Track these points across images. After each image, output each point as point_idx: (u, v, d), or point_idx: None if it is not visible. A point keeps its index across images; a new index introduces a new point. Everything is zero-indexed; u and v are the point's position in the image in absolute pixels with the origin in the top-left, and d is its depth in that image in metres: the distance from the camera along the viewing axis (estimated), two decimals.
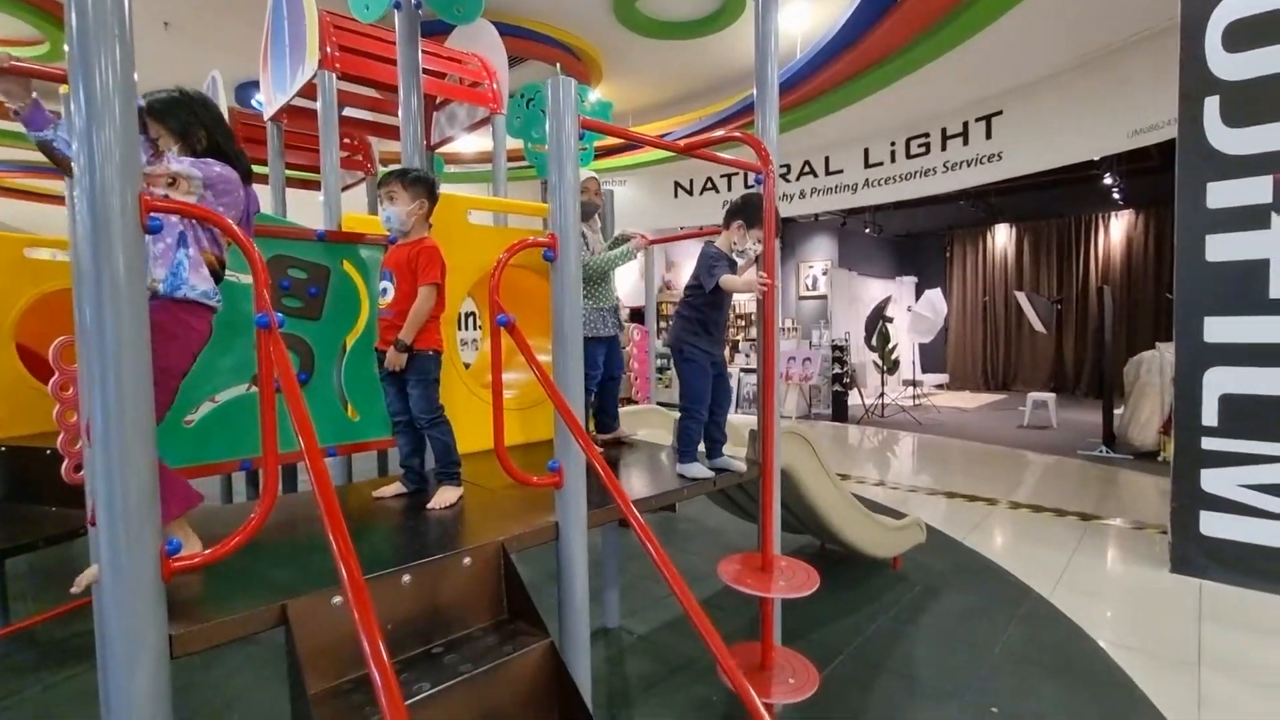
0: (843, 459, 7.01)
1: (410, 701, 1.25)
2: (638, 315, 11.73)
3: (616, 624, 3.13)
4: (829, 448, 7.66)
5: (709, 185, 11.14)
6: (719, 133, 2.14)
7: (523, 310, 2.77)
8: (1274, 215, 3.37)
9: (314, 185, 5.01)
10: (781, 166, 10.44)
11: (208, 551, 1.15)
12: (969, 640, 2.93)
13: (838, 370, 9.80)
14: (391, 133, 3.67)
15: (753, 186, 2.15)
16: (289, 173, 5.03)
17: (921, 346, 11.93)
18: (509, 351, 3.21)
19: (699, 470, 2.25)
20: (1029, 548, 4.12)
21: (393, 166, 2.09)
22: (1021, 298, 10.41)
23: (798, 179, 10.40)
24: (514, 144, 5.33)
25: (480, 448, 2.45)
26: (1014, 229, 13.15)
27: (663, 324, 13.56)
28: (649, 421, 3.24)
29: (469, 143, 9.15)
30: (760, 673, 1.89)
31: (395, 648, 1.40)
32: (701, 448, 2.35)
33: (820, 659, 2.79)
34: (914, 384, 11.23)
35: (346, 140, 5.22)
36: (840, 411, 9.66)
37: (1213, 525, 3.52)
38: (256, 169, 5.16)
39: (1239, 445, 3.43)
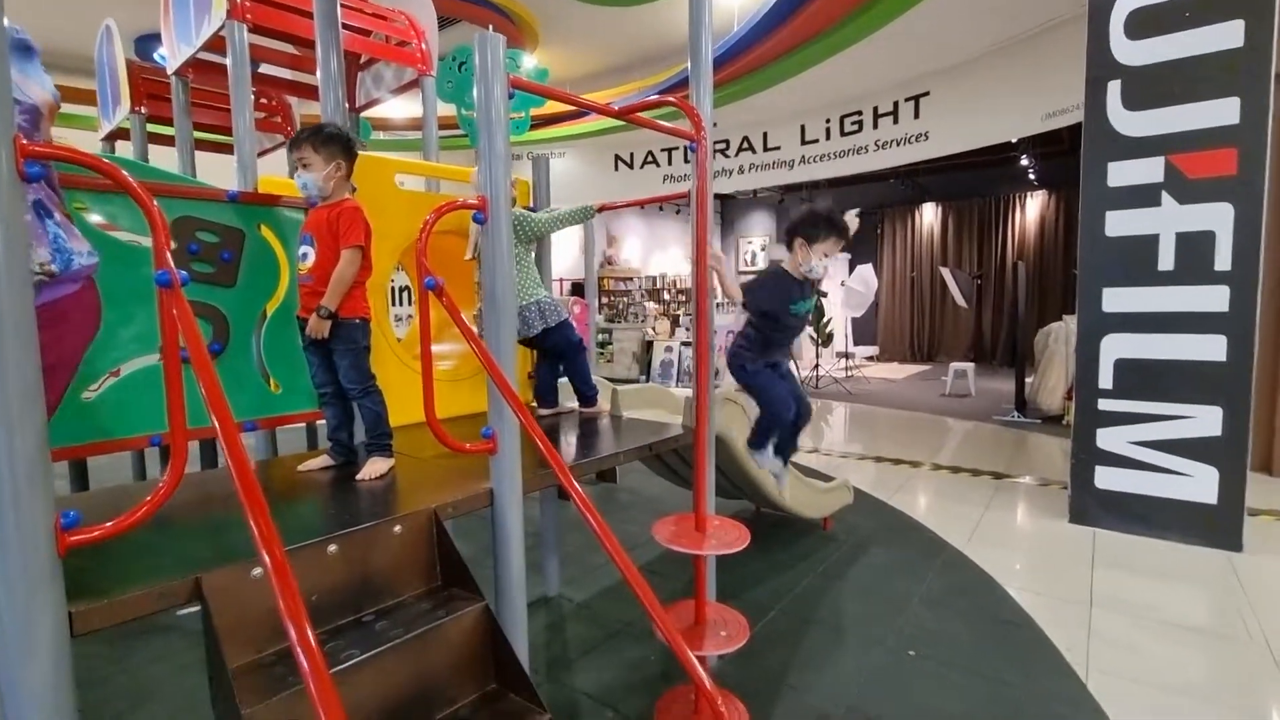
0: None
1: (339, 669, 1.23)
2: (579, 289, 11.65)
3: (556, 592, 3.16)
4: None
5: (650, 159, 11.08)
6: (653, 96, 2.12)
7: (457, 281, 2.71)
8: (1164, 194, 3.65)
9: (231, 149, 4.70)
10: (720, 142, 10.54)
11: (109, 524, 1.08)
12: (891, 592, 3.12)
13: None
14: (313, 93, 3.46)
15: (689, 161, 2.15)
16: (201, 135, 4.69)
17: (854, 320, 12.37)
18: (446, 323, 3.14)
19: (772, 462, 2.28)
20: (947, 505, 4.40)
21: (302, 128, 1.97)
22: (946, 273, 10.93)
23: (737, 154, 10.48)
24: (447, 110, 5.14)
25: (413, 420, 2.39)
26: (940, 208, 13.73)
27: (604, 299, 13.53)
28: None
29: (399, 108, 8.75)
30: (694, 628, 1.96)
31: (323, 617, 1.37)
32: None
33: (754, 614, 2.91)
34: (846, 356, 11.66)
35: (264, 101, 4.89)
36: None
37: (1106, 479, 3.85)
38: (161, 129, 4.78)
39: (1130, 405, 3.75)
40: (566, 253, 11.76)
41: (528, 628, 2.83)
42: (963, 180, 12.73)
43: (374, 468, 1.91)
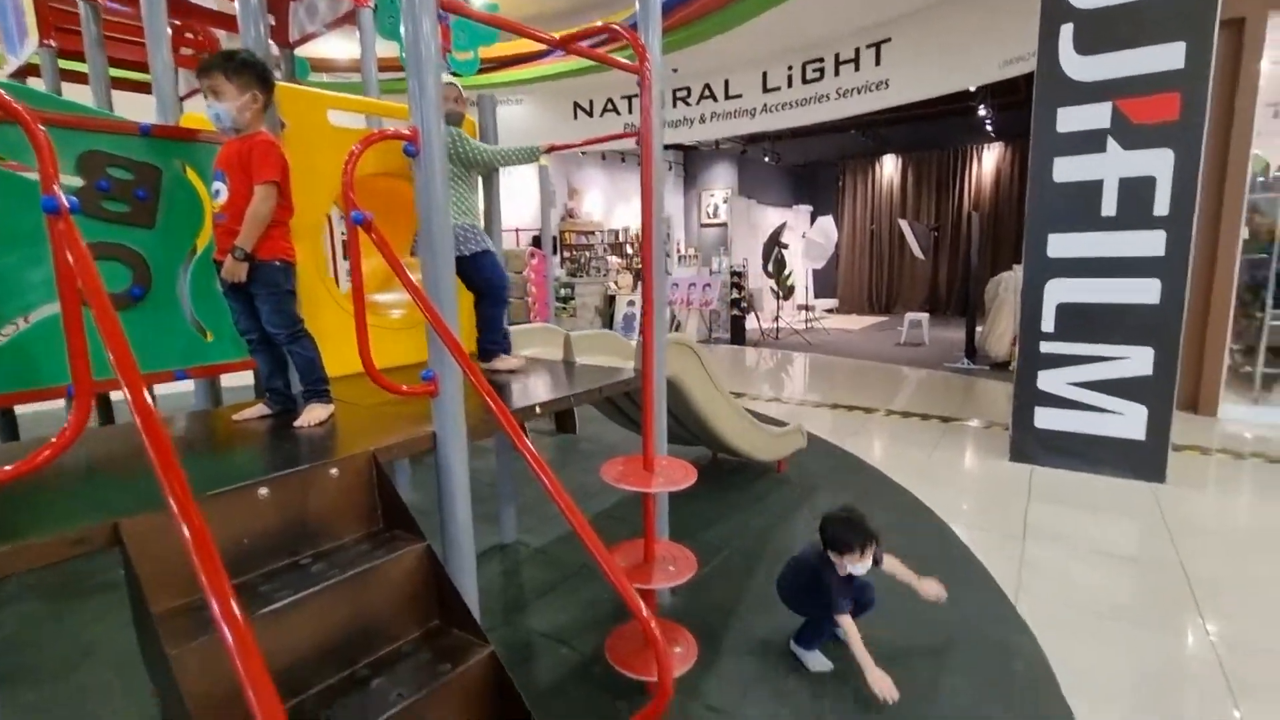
0: (741, 379, 7.33)
1: (271, 608, 1.21)
2: (539, 242, 11.40)
3: (513, 539, 3.18)
4: (728, 369, 7.97)
5: (609, 106, 10.74)
6: (598, 23, 2.02)
7: (402, 226, 2.61)
8: (1110, 140, 3.70)
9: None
10: (681, 89, 10.27)
11: (8, 468, 1.02)
12: None
13: (736, 295, 10.09)
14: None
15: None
16: (119, 72, 4.33)
17: (814, 272, 12.47)
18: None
19: (819, 661, 2.16)
20: (897, 448, 4.55)
21: (212, 54, 1.81)
22: (904, 225, 11.06)
23: (698, 102, 10.24)
24: (392, 50, 4.84)
25: (356, 369, 2.32)
26: (900, 160, 13.78)
27: (566, 253, 13.30)
28: (540, 340, 3.20)
29: (341, 48, 8.24)
30: (644, 564, 2.00)
31: (255, 561, 1.34)
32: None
33: (708, 553, 3.00)
34: (807, 308, 11.79)
35: (189, 35, 4.53)
36: (738, 334, 10.02)
37: (1045, 419, 4.02)
38: (76, 66, 4.39)
39: (1069, 348, 3.89)
40: (525, 204, 11.46)
41: (484, 574, 2.88)
42: (922, 131, 12.75)
43: (312, 414, 1.85)
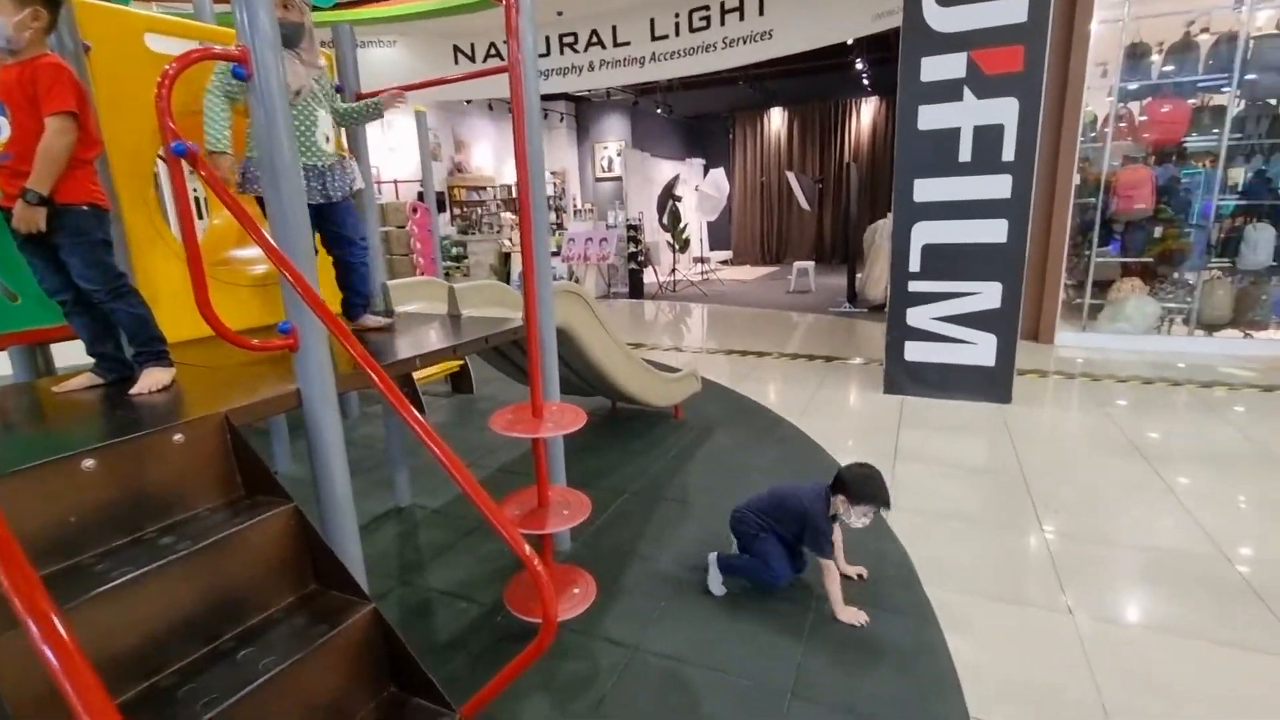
0: (641, 332, 7.39)
1: (106, 588, 1.09)
2: (423, 196, 10.75)
3: (409, 502, 3.08)
4: (628, 323, 8.01)
5: (493, 51, 10.16)
6: None
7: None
8: (966, 89, 3.97)
9: None
10: (568, 35, 9.89)
11: None
12: (733, 466, 3.38)
13: (633, 249, 10.09)
14: None
15: None
16: None
17: (709, 225, 12.68)
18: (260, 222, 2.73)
19: (717, 584, 2.24)
20: (786, 388, 4.80)
21: None
22: (791, 177, 11.43)
23: (586, 49, 9.90)
24: None
25: (208, 331, 2.10)
26: (786, 112, 14.13)
27: (457, 210, 12.65)
28: (424, 293, 3.04)
29: None
30: (538, 510, 1.99)
31: (88, 540, 1.20)
32: None
33: (608, 498, 3.05)
34: (703, 260, 12.02)
35: None
36: (637, 289, 10.07)
37: (913, 352, 4.37)
38: None
39: (932, 286, 4.22)
40: (406, 157, 10.72)
41: (379, 539, 2.78)
42: (806, 85, 13.10)
43: (150, 379, 1.65)
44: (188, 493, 1.36)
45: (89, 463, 1.21)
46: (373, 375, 1.32)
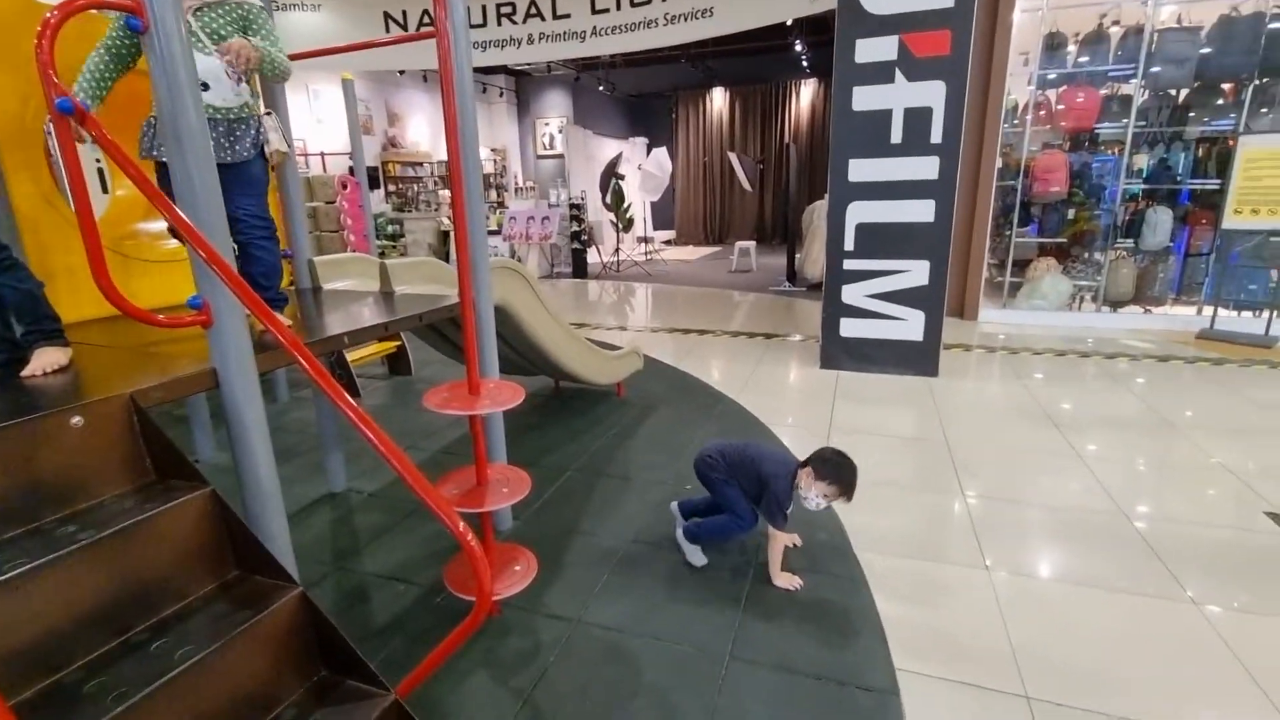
0: (585, 311, 7.35)
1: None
2: (370, 180, 10.24)
3: (344, 487, 2.98)
4: (572, 303, 7.94)
5: (427, 20, 9.73)
6: None
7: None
8: (898, 71, 4.08)
9: None
10: (506, 5, 9.58)
11: None
12: (674, 442, 3.42)
13: (576, 229, 9.97)
14: None
15: None
16: None
17: (653, 205, 12.67)
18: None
19: (697, 555, 2.26)
20: (726, 365, 4.88)
21: None
22: (733, 158, 11.51)
23: (525, 21, 9.61)
24: None
25: (114, 311, 1.95)
26: (728, 93, 14.19)
27: (392, 186, 12.15)
28: (355, 270, 2.91)
29: None
30: (476, 489, 1.96)
31: None
32: None
33: (551, 476, 3.04)
34: (646, 240, 12.01)
35: None
36: (580, 268, 9.99)
37: (848, 328, 4.52)
38: None
39: (865, 264, 4.36)
40: (335, 130, 10.20)
41: (314, 524, 2.68)
42: (748, 65, 13.17)
43: (44, 359, 1.52)
44: (90, 479, 1.27)
45: None
46: (295, 353, 1.26)
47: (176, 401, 3.42)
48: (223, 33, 1.80)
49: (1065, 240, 6.03)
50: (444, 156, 12.88)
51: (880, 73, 4.09)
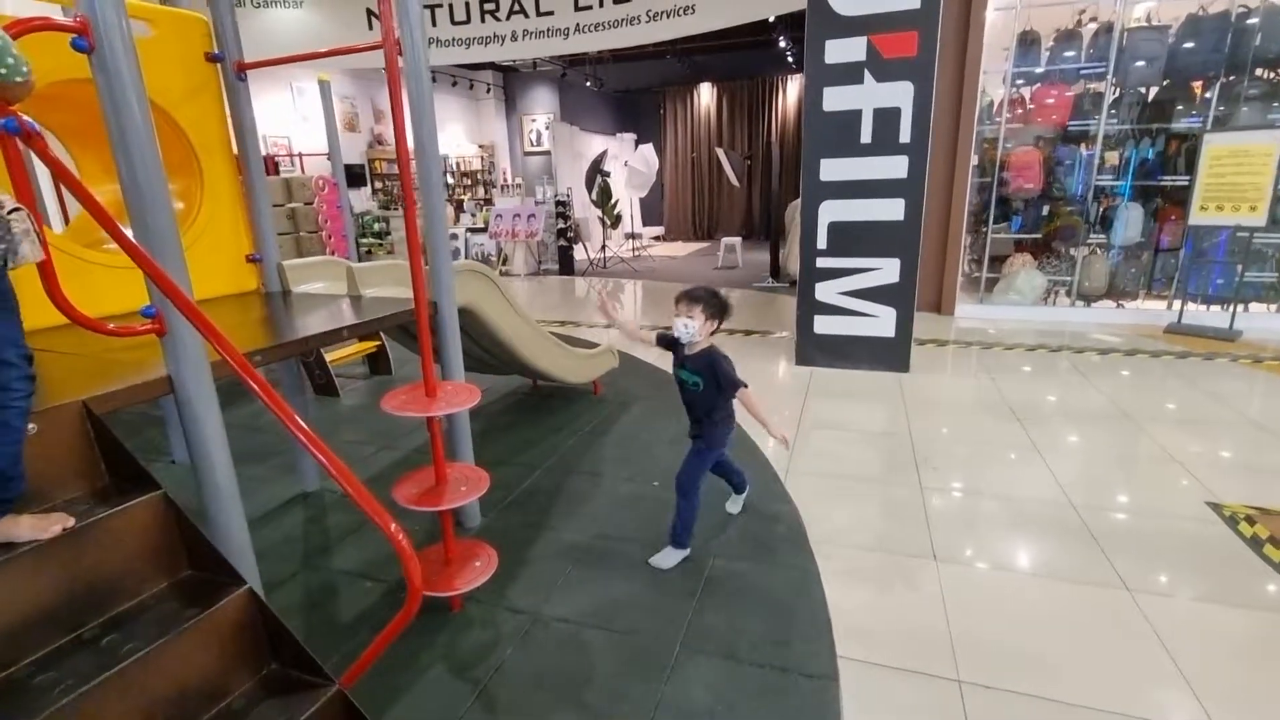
0: (570, 308, 7.40)
1: None
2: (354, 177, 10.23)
3: (317, 486, 3.04)
4: (557, 300, 7.98)
5: None
6: None
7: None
8: (866, 72, 4.13)
9: None
10: (490, 2, 9.58)
11: None
12: (645, 439, 3.49)
13: (562, 226, 10.01)
14: None
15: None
16: None
17: (642, 201, 12.70)
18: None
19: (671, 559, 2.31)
20: None
21: None
22: (721, 154, 11.55)
23: (508, 18, 9.62)
24: None
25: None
26: (715, 88, 14.21)
27: (378, 184, 12.14)
28: (322, 273, 2.96)
29: None
30: (435, 488, 2.03)
31: None
32: None
33: (521, 474, 3.10)
34: (634, 237, 12.05)
35: None
36: (567, 265, 10.03)
37: (821, 325, 4.59)
38: None
39: (838, 262, 4.43)
40: (316, 126, 10.19)
41: (285, 524, 2.74)
42: (735, 61, 13.21)
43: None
44: (44, 485, 1.33)
45: None
46: (234, 364, 1.32)
47: (150, 404, 3.45)
48: None
49: (1039, 236, 6.12)
50: None
51: (850, 73, 4.15)
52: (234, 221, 2.67)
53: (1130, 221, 5.65)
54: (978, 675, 1.77)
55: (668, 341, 2.32)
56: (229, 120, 2.57)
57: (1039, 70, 5.84)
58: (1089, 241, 5.87)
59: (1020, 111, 6.00)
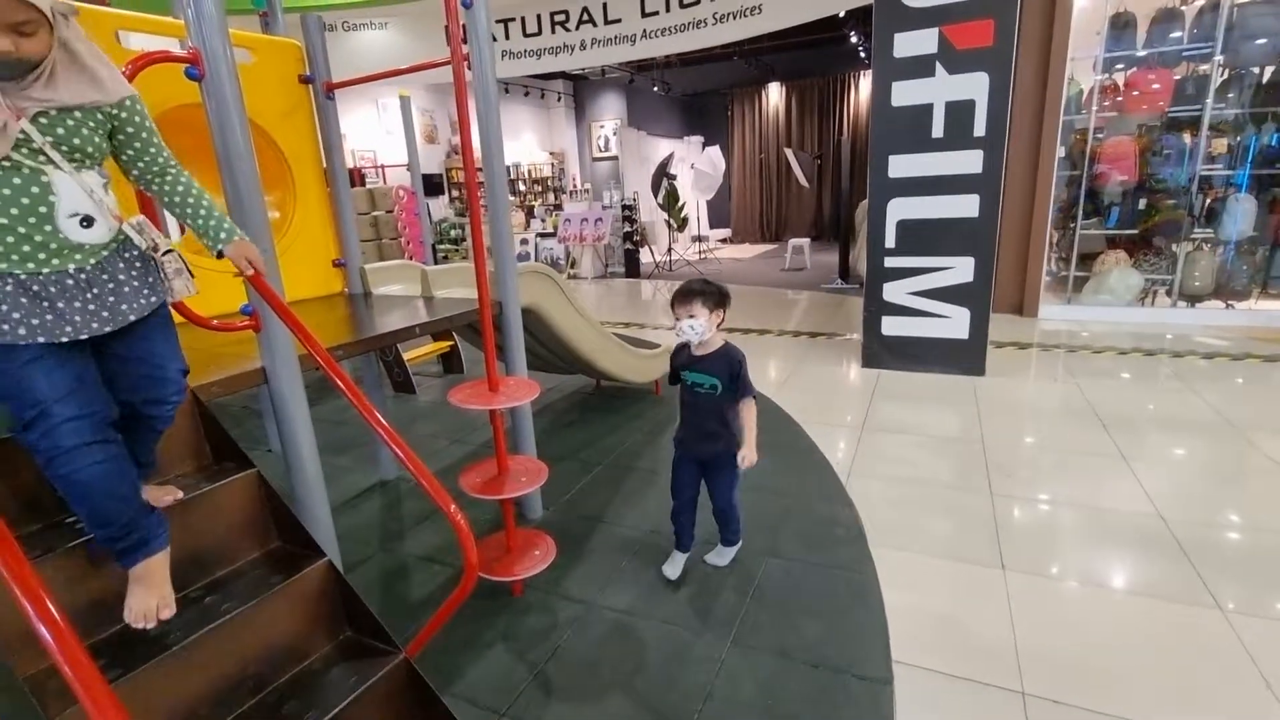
0: (637, 311, 7.50)
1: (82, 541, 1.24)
2: (433, 186, 10.79)
3: (394, 475, 3.24)
4: (624, 303, 8.11)
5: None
6: None
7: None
8: (938, 65, 3.99)
9: None
10: (560, 13, 9.87)
11: None
12: None
13: (628, 229, 10.15)
14: None
15: None
16: None
17: (709, 203, 12.69)
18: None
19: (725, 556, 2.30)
20: (766, 363, 4.91)
21: None
22: (789, 154, 11.38)
23: (577, 28, 9.87)
24: None
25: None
26: (784, 88, 14.01)
27: (455, 192, 12.71)
28: (399, 277, 3.16)
29: None
30: (496, 478, 2.13)
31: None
32: None
33: (583, 469, 3.19)
34: (701, 239, 12.05)
35: None
36: (633, 268, 10.15)
37: (890, 326, 4.46)
38: None
39: (907, 261, 4.29)
40: (399, 139, 10.78)
41: (364, 510, 2.94)
42: (803, 59, 12.96)
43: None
44: (164, 461, 1.51)
45: None
46: (317, 356, 1.45)
47: (251, 399, 3.76)
48: (86, 148, 1.18)
49: (1135, 232, 5.69)
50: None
51: (920, 67, 4.02)
52: (322, 229, 2.90)
53: (1243, 214, 5.16)
54: (1044, 689, 1.69)
55: (678, 350, 2.18)
56: (319, 136, 2.80)
57: (1137, 54, 5.44)
58: (1193, 236, 5.41)
59: (1114, 100, 5.60)
